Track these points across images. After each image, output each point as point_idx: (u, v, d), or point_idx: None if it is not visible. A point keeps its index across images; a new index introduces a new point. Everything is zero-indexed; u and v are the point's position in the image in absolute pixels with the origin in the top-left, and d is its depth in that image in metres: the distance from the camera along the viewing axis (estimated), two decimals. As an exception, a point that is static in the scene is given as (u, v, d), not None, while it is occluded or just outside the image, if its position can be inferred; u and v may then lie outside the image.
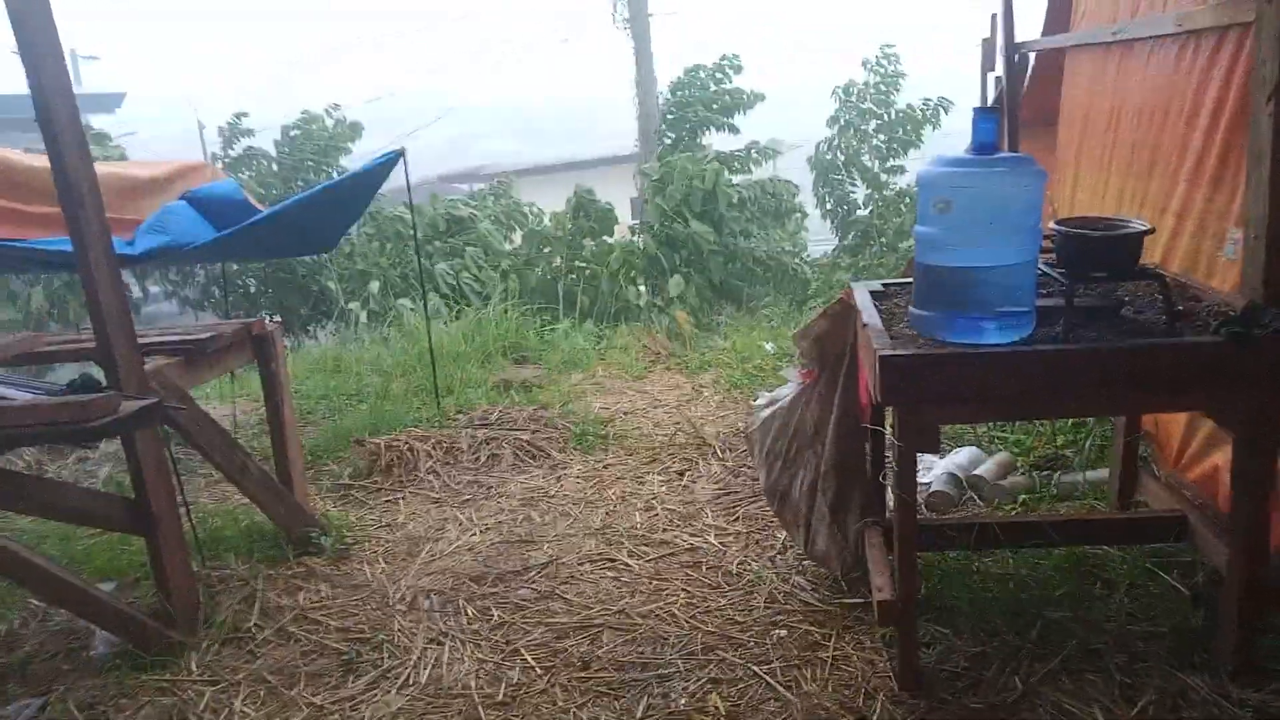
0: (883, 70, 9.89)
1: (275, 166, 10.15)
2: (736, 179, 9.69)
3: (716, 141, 11.17)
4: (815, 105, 10.63)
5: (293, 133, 10.36)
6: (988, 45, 4.53)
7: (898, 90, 9.92)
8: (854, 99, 9.93)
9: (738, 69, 10.98)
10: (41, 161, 3.43)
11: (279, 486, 3.70)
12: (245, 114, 10.96)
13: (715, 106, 10.78)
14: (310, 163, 10.12)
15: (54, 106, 2.66)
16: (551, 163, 21.94)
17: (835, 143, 10.02)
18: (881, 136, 9.92)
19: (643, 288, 8.53)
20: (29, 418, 2.62)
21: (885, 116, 9.91)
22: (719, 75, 10.94)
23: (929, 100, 9.96)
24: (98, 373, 3.00)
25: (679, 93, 10.98)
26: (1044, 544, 3.00)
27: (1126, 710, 2.34)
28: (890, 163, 9.97)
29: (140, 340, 3.06)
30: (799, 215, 9.87)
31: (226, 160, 10.08)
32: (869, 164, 9.97)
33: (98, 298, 2.79)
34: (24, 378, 3.28)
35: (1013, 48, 4.27)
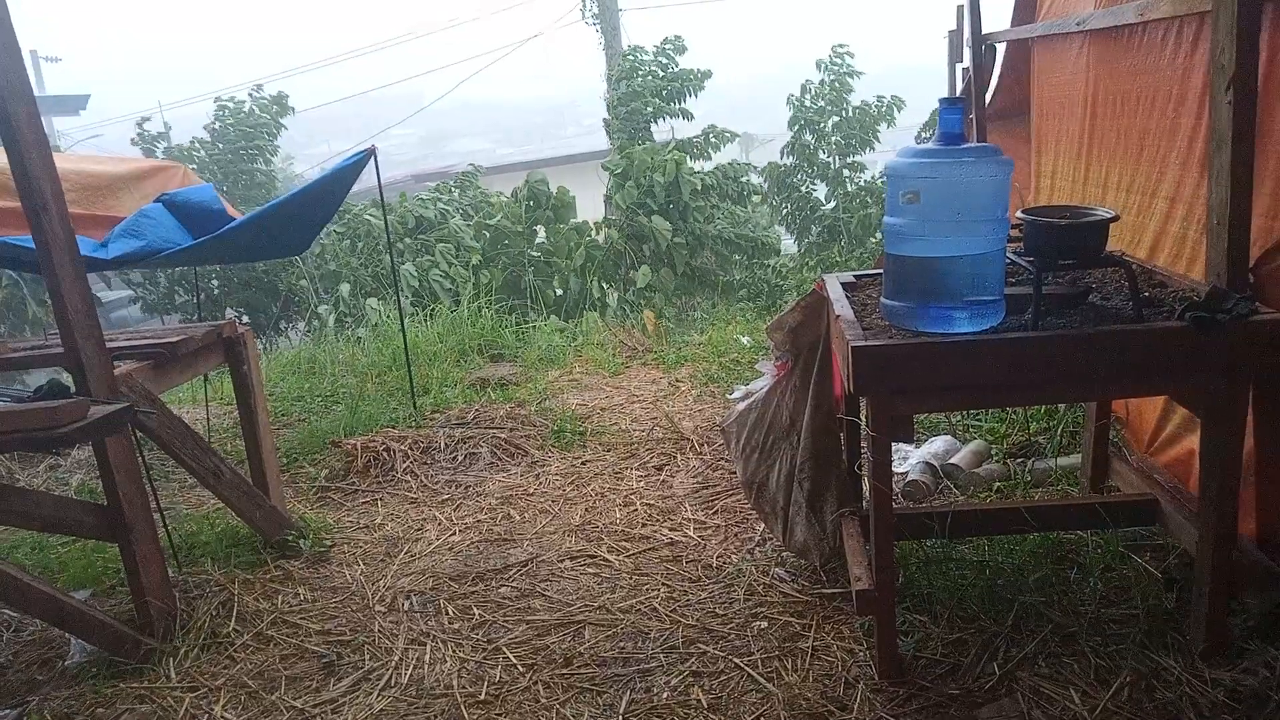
0: (837, 68, 9.92)
1: (213, 167, 10.04)
2: (696, 165, 9.54)
3: (670, 130, 10.80)
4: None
5: (215, 125, 10.20)
6: (955, 37, 4.55)
7: (850, 90, 9.95)
8: (808, 100, 9.95)
9: (681, 50, 10.46)
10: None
11: (254, 490, 3.68)
12: (148, 117, 10.85)
13: (664, 93, 10.36)
14: (242, 152, 9.97)
15: (13, 108, 2.62)
16: (525, 160, 21.86)
17: (794, 145, 10.03)
18: (838, 135, 9.96)
19: (609, 286, 8.48)
20: (-3, 425, 2.58)
21: (842, 113, 9.94)
22: (662, 59, 10.46)
23: (882, 97, 10.01)
24: (67, 378, 2.96)
25: (624, 83, 10.42)
26: (1019, 530, 3.03)
27: (1102, 691, 2.37)
28: (850, 159, 10.01)
29: (109, 344, 3.03)
30: (758, 197, 9.86)
31: None
32: (828, 160, 10.01)
33: (64, 301, 2.76)
34: (-9, 385, 3.24)
35: (980, 39, 4.30)
